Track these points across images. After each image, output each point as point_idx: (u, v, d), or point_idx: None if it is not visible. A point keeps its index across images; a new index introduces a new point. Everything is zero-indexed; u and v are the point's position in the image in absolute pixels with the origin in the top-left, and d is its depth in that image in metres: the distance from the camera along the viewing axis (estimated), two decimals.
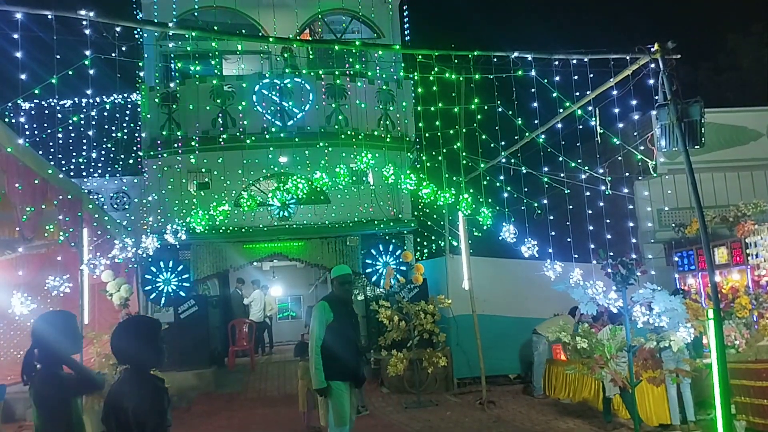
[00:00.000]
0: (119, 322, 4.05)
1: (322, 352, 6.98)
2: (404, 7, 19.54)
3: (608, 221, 11.90)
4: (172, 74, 18.39)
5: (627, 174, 15.06)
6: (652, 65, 8.96)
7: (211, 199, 15.94)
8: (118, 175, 18.81)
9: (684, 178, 8.76)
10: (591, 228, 12.08)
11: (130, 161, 18.15)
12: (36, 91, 8.91)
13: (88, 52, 8.72)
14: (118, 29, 8.64)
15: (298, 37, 17.66)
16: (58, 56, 8.37)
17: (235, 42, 16.74)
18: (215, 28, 16.32)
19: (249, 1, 17.76)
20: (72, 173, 17.22)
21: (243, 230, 16.70)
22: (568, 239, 12.72)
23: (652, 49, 8.81)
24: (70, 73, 9.05)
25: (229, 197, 16.41)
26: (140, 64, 17.31)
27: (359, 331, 7.42)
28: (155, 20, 16.65)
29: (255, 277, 20.29)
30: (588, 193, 12.70)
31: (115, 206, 18.74)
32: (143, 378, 3.62)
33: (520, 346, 14.85)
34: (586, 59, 9.55)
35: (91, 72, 9.15)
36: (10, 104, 10.49)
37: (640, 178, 17.20)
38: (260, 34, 17.63)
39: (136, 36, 16.52)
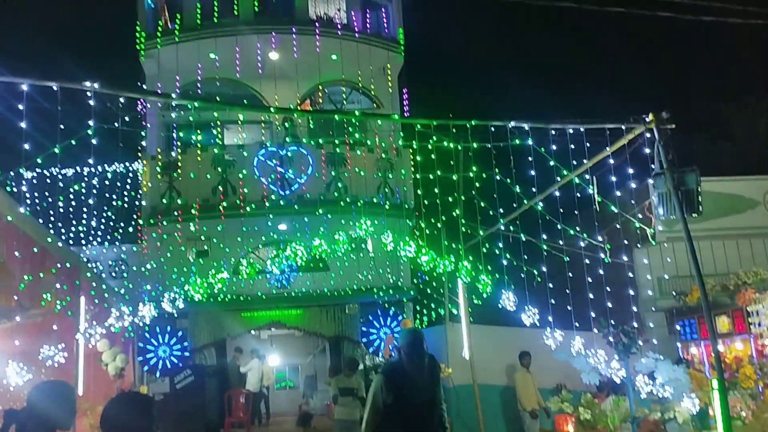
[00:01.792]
0: (111, 398, 3.96)
1: None
2: (403, 79, 19.96)
3: (608, 289, 11.82)
4: (174, 143, 18.63)
5: (626, 242, 15.06)
6: (648, 135, 9.09)
7: (210, 267, 15.89)
8: (117, 243, 18.82)
9: (683, 246, 8.74)
10: (591, 296, 12.00)
11: (130, 230, 18.20)
12: (39, 160, 9.00)
13: (91, 122, 8.83)
14: (122, 100, 8.79)
15: (299, 107, 17.99)
16: (62, 126, 8.47)
17: (237, 112, 17.09)
18: (218, 98, 16.65)
19: (251, 72, 18.13)
20: (71, 241, 17.22)
21: (241, 298, 16.58)
22: (569, 307, 12.62)
23: (647, 119, 8.96)
24: (73, 142, 9.16)
25: (227, 265, 16.38)
26: (143, 133, 17.58)
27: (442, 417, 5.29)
28: (159, 91, 16.99)
29: (254, 347, 20.03)
30: (587, 261, 12.68)
31: (114, 274, 18.67)
32: None
33: None
34: (582, 128, 9.69)
35: (94, 141, 9.25)
36: (12, 173, 10.58)
37: (639, 246, 17.19)
38: (262, 104, 17.96)
39: (140, 107, 16.83)
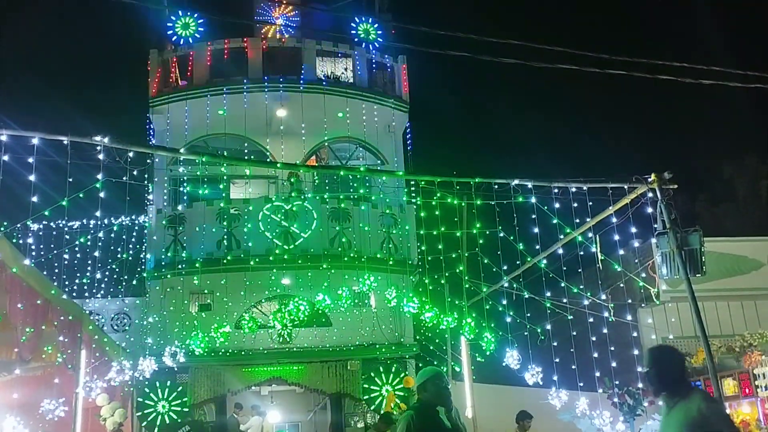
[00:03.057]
0: None
1: None
2: (407, 136, 20.23)
3: (612, 348, 11.74)
4: (181, 197, 18.78)
5: (629, 301, 15.00)
6: (650, 194, 9.17)
7: (212, 321, 15.83)
8: (120, 296, 18.79)
9: (688, 306, 8.72)
10: (595, 355, 11.90)
11: (134, 282, 18.20)
12: (46, 213, 9.09)
13: (99, 176, 8.94)
14: (130, 154, 8.92)
15: (304, 163, 18.18)
16: (71, 180, 8.58)
17: (243, 167, 17.28)
18: (225, 153, 16.87)
19: (258, 128, 18.40)
20: (74, 293, 17.21)
21: (243, 353, 16.47)
22: (573, 366, 12.50)
23: (649, 179, 9.05)
24: (81, 195, 9.26)
25: (230, 319, 16.31)
26: (150, 187, 17.75)
27: None
28: (167, 145, 17.22)
29: (254, 403, 19.76)
30: (591, 320, 12.63)
31: (116, 327, 18.58)
32: None
33: None
34: (584, 187, 9.78)
35: (102, 194, 9.34)
36: (18, 225, 10.67)
37: (643, 305, 17.11)
38: (268, 160, 18.16)
39: (148, 161, 17.03)
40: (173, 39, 19.06)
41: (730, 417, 3.82)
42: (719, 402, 4.10)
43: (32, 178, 8.12)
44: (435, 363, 18.53)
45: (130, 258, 17.53)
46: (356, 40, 19.67)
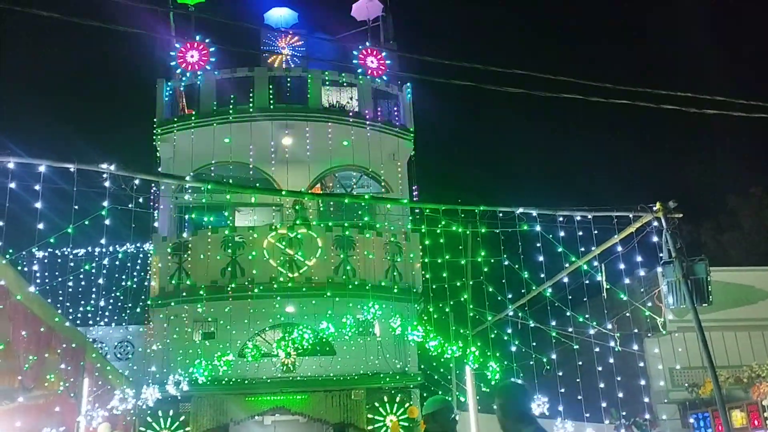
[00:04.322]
0: None
1: None
2: (412, 164, 20.28)
3: (619, 378, 11.63)
4: (185, 225, 18.81)
5: (636, 330, 14.89)
6: (655, 223, 9.16)
7: (216, 349, 15.75)
8: (124, 324, 18.75)
9: (695, 336, 8.67)
10: (602, 385, 11.79)
11: (137, 310, 18.17)
12: (51, 240, 9.11)
13: (105, 203, 8.98)
14: (136, 181, 8.97)
15: (309, 191, 18.23)
16: (76, 207, 8.62)
17: (248, 194, 17.32)
18: (230, 181, 16.92)
19: (264, 156, 18.48)
20: (78, 321, 17.19)
21: (246, 382, 16.35)
22: (579, 397, 12.38)
23: (654, 208, 9.05)
24: (86, 222, 9.29)
25: (233, 347, 16.22)
26: (155, 214, 17.79)
27: None
28: (173, 173, 17.29)
29: None
30: (597, 349, 12.53)
31: (119, 356, 18.51)
32: None
33: None
34: (590, 216, 9.78)
35: (107, 222, 9.37)
36: (24, 253, 10.69)
37: (649, 335, 16.99)
38: (273, 188, 18.21)
39: (153, 189, 17.10)
40: (180, 68, 19.25)
41: None
42: None
43: (38, 205, 8.17)
44: (440, 392, 18.39)
45: (135, 286, 17.52)
46: (361, 69, 19.84)
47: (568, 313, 12.72)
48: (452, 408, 5.21)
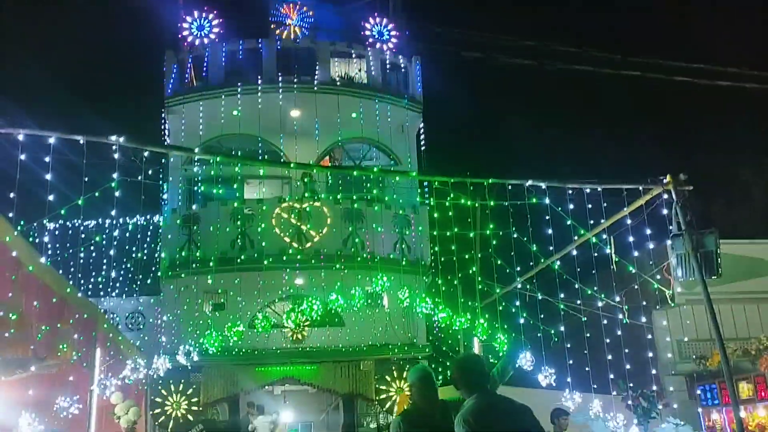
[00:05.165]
0: None
1: None
2: (421, 137, 20.20)
3: (627, 351, 11.66)
4: (195, 197, 18.86)
5: (644, 303, 14.90)
6: (665, 196, 9.10)
7: (226, 320, 15.87)
8: (135, 295, 18.91)
9: (703, 309, 8.66)
10: (609, 357, 11.83)
11: (148, 281, 18.31)
12: (62, 212, 9.15)
13: (115, 175, 9.00)
14: (146, 153, 8.98)
15: (318, 163, 18.21)
16: (86, 179, 8.64)
17: (257, 167, 17.33)
18: (239, 153, 16.92)
19: (272, 129, 18.44)
20: (90, 292, 17.35)
21: (256, 352, 16.51)
22: (587, 368, 12.43)
23: (665, 181, 8.98)
24: (96, 194, 9.32)
25: (243, 318, 16.35)
26: (165, 186, 17.84)
27: None
28: (182, 145, 17.31)
29: (260, 402, 19.80)
30: (605, 322, 12.55)
31: (130, 326, 18.70)
32: None
33: None
34: (599, 189, 9.72)
35: (117, 194, 9.40)
36: (35, 224, 10.76)
37: (658, 307, 16.99)
38: (282, 160, 18.20)
39: (162, 161, 17.12)
40: (188, 40, 19.16)
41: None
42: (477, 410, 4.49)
43: (49, 177, 8.20)
44: (448, 364, 18.51)
45: (145, 257, 17.64)
46: (370, 40, 19.67)
47: (576, 286, 12.74)
48: (425, 377, 5.10)
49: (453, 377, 4.67)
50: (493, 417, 4.51)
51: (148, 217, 19.00)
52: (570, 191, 9.78)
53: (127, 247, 18.15)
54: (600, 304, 12.89)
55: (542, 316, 13.83)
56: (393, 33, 19.95)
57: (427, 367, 5.30)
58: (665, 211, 9.14)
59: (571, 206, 10.05)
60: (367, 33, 19.79)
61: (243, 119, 17.94)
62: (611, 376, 12.16)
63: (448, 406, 5.18)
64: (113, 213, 10.11)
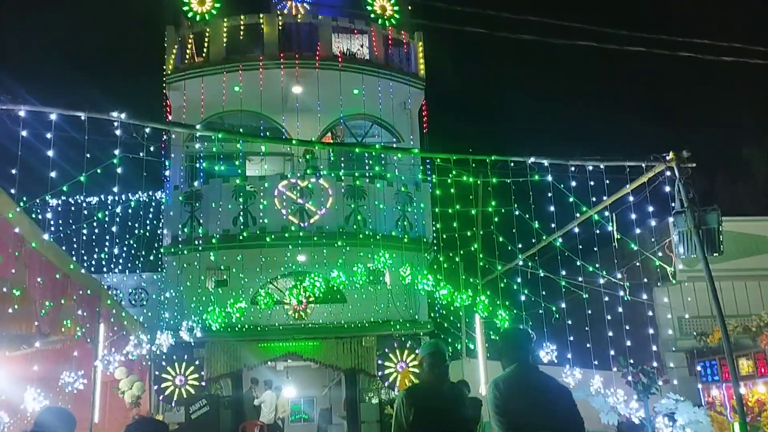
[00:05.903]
0: (128, 424, 4.05)
1: None
2: (423, 113, 20.12)
3: (627, 327, 11.71)
4: (197, 174, 18.85)
5: (646, 280, 14.93)
6: (668, 173, 9.08)
7: (229, 297, 15.97)
8: (137, 271, 18.99)
9: (704, 286, 8.68)
10: (610, 334, 11.89)
11: (151, 258, 18.36)
12: (64, 188, 9.16)
13: (117, 152, 9.00)
14: (147, 130, 8.96)
15: (320, 140, 18.16)
16: (88, 155, 8.64)
17: (259, 143, 17.30)
18: (240, 130, 16.85)
19: (274, 105, 18.36)
20: (93, 269, 17.42)
21: (258, 328, 16.62)
22: (588, 345, 12.50)
23: (668, 158, 8.95)
24: (98, 171, 9.32)
25: (246, 295, 16.43)
26: (166, 163, 17.82)
27: None
28: (183, 122, 17.26)
29: (268, 377, 19.99)
30: (607, 299, 12.59)
31: (133, 302, 18.81)
32: None
33: None
34: (602, 166, 9.70)
35: (119, 170, 9.40)
36: (38, 201, 10.77)
37: (659, 284, 17.04)
38: (284, 137, 18.16)
39: (164, 137, 17.09)
40: (189, 15, 19.01)
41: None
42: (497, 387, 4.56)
43: (50, 153, 8.19)
44: (449, 340, 18.63)
45: (147, 234, 17.68)
46: (372, 16, 19.51)
47: (578, 263, 12.76)
48: (438, 354, 5.05)
49: (498, 346, 4.96)
50: (524, 388, 4.59)
51: (150, 193, 19.00)
52: (573, 168, 9.76)
53: (129, 224, 18.17)
54: (601, 281, 12.91)
55: (543, 293, 13.87)
56: (395, 8, 19.76)
57: (441, 344, 5.24)
58: (668, 189, 9.12)
59: (574, 183, 10.04)
60: (370, 9, 19.60)
61: (244, 96, 17.85)
62: (612, 353, 12.22)
63: (458, 385, 5.24)
64: (115, 189, 10.11)
